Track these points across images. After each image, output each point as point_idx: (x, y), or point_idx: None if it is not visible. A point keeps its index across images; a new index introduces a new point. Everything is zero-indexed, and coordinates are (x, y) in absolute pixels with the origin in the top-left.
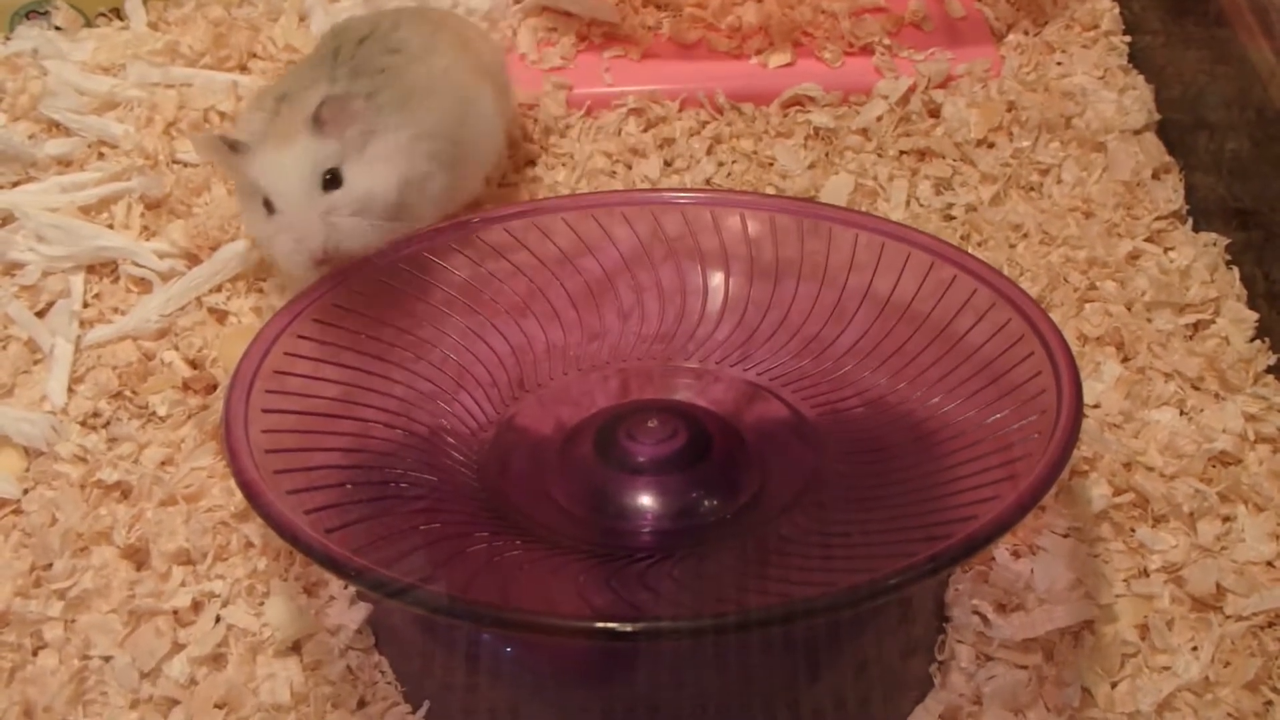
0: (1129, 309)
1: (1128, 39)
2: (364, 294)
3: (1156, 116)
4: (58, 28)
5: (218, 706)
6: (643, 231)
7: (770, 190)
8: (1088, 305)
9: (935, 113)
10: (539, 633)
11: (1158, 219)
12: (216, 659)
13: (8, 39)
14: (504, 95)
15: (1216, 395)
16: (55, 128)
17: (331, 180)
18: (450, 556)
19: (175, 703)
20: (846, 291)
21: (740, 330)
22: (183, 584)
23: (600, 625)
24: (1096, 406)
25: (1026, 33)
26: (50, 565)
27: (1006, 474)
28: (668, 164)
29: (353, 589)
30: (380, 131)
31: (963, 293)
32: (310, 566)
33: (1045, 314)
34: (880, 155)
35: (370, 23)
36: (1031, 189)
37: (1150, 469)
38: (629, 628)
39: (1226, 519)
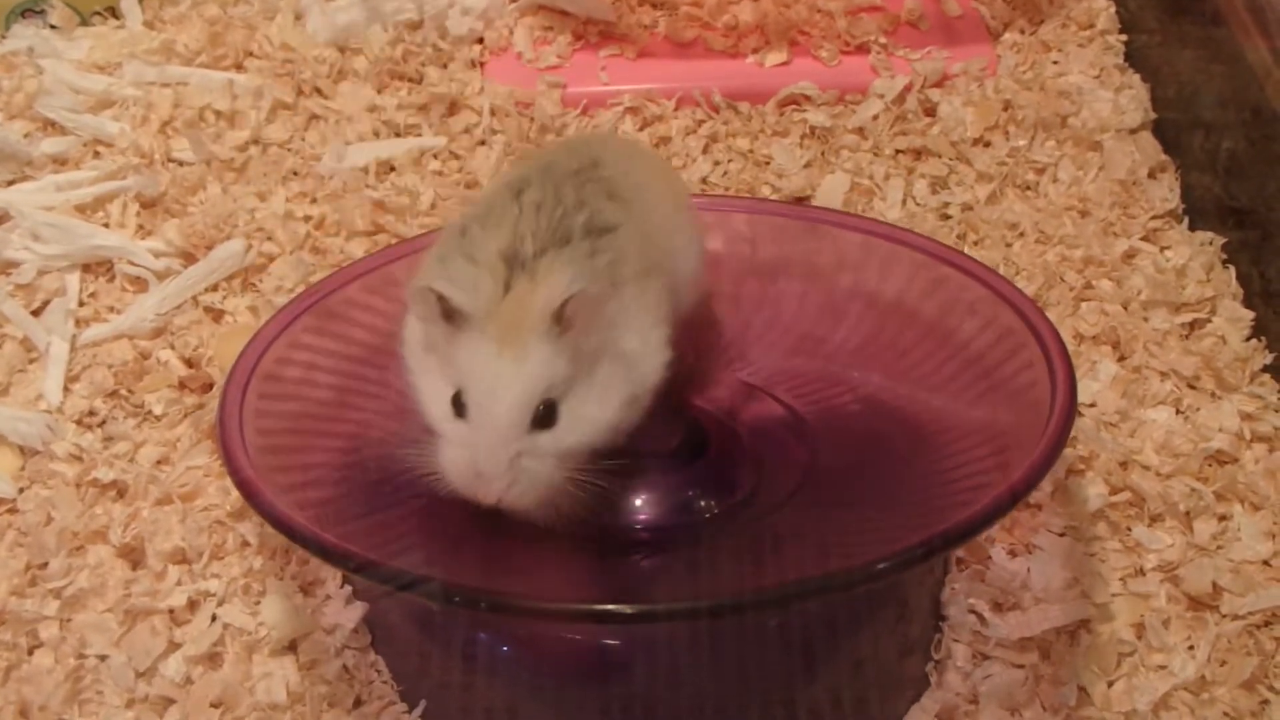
0: (1125, 308)
1: (1124, 38)
2: (361, 295)
3: (1152, 115)
4: (53, 26)
5: (214, 705)
6: None
7: (766, 189)
8: (1084, 304)
9: (931, 112)
10: (533, 618)
11: (1154, 218)
12: (212, 658)
13: (3, 37)
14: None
15: (1212, 394)
16: (51, 126)
17: (545, 415)
18: (446, 553)
19: (171, 702)
20: (840, 290)
21: (735, 329)
22: (178, 583)
23: (593, 608)
24: (1093, 405)
25: (1023, 32)
26: (46, 564)
27: (1000, 470)
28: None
29: (348, 588)
30: (617, 336)
31: (956, 290)
32: (306, 565)
33: (1037, 307)
34: (876, 154)
35: (575, 154)
36: (1027, 188)
37: (1146, 468)
38: (623, 609)
39: (1223, 518)
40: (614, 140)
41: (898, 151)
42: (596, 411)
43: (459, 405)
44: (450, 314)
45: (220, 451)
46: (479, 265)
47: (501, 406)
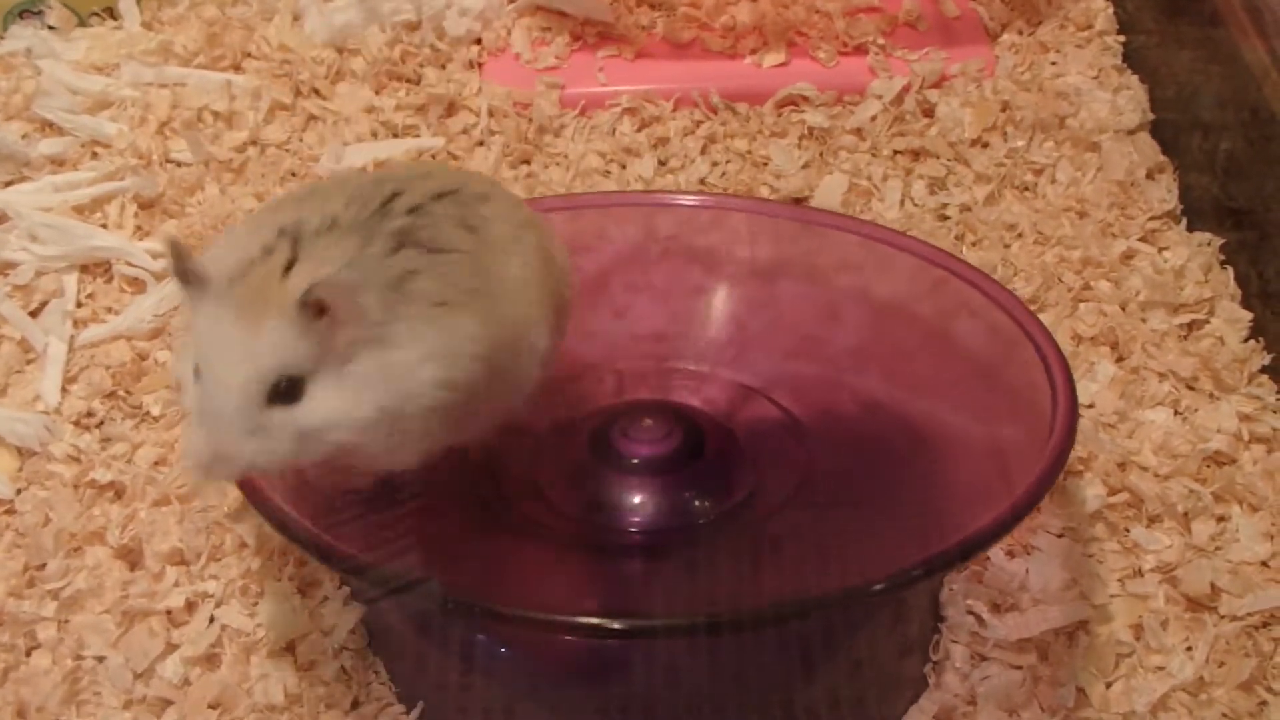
0: (1123, 309)
1: (1122, 39)
2: None
3: (1151, 116)
4: (51, 27)
5: (211, 707)
6: (637, 232)
7: (765, 190)
8: (1082, 305)
9: (929, 112)
10: (531, 628)
11: (1152, 219)
12: (210, 659)
13: (1, 38)
14: (557, 335)
15: (1211, 395)
16: (49, 127)
17: (287, 392)
18: (445, 555)
19: (169, 703)
20: (839, 293)
21: (734, 331)
22: (176, 584)
23: (588, 621)
24: (1091, 406)
25: (1021, 32)
26: (44, 565)
27: (1000, 476)
28: (662, 164)
29: (347, 589)
30: (387, 341)
31: (956, 296)
32: (304, 567)
33: (1037, 320)
34: (874, 155)
35: (457, 179)
36: (1026, 189)
37: (1145, 469)
38: (617, 624)
39: (1221, 519)
40: (510, 194)
41: (896, 152)
42: (344, 404)
43: (198, 376)
44: (184, 274)
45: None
46: (252, 232)
47: (232, 374)
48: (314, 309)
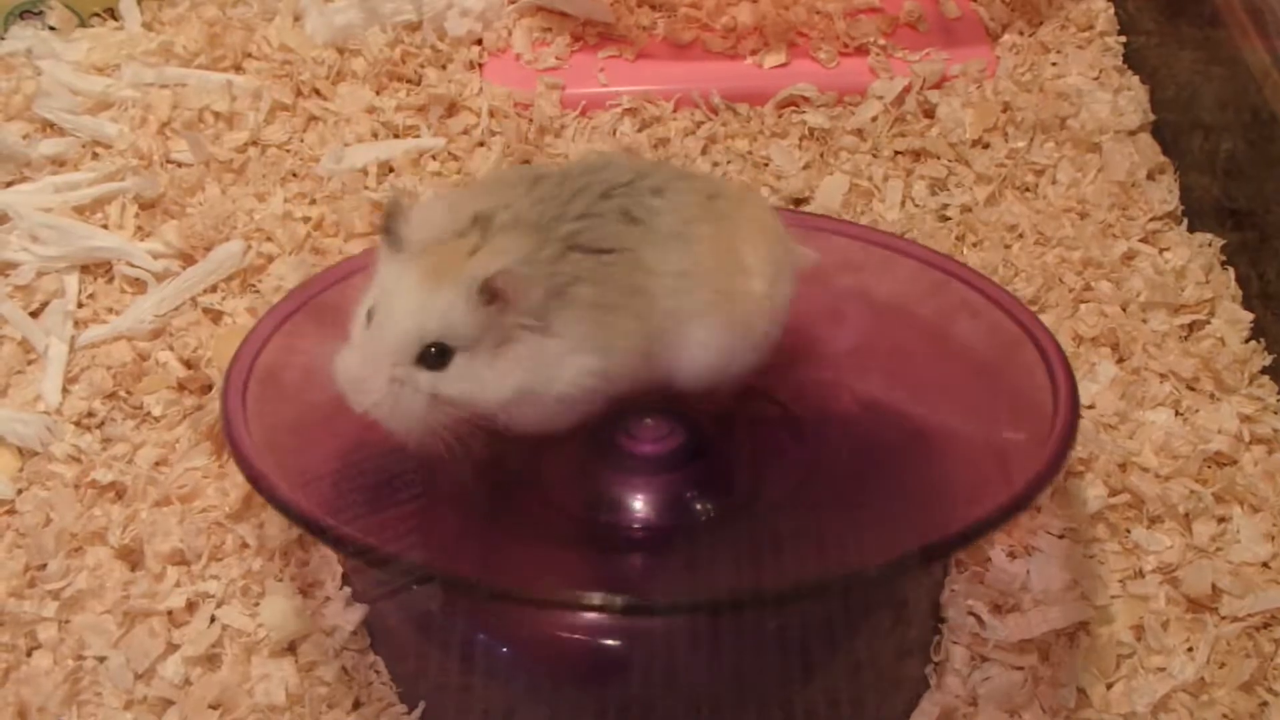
0: (1124, 309)
1: (1123, 39)
2: (358, 293)
3: (1151, 117)
4: (52, 28)
5: (212, 707)
6: None
7: (765, 191)
8: (1083, 306)
9: (930, 113)
10: (533, 605)
11: (1153, 219)
12: (211, 659)
13: (2, 39)
14: (750, 336)
15: (1212, 396)
16: (49, 128)
17: (435, 357)
18: (448, 551)
19: (170, 703)
20: (840, 292)
21: None
22: (177, 584)
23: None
24: (1091, 407)
25: (1021, 33)
26: (44, 565)
27: (1001, 477)
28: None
29: (348, 590)
30: (544, 332)
31: (956, 296)
32: (305, 567)
33: (1038, 320)
34: (875, 156)
35: (634, 170)
36: (1026, 189)
37: (1145, 470)
38: (617, 601)
39: (1222, 520)
40: (703, 179)
41: (896, 153)
42: (486, 380)
43: (370, 318)
44: (390, 231)
45: (227, 443)
46: (450, 212)
47: (396, 327)
48: (489, 293)
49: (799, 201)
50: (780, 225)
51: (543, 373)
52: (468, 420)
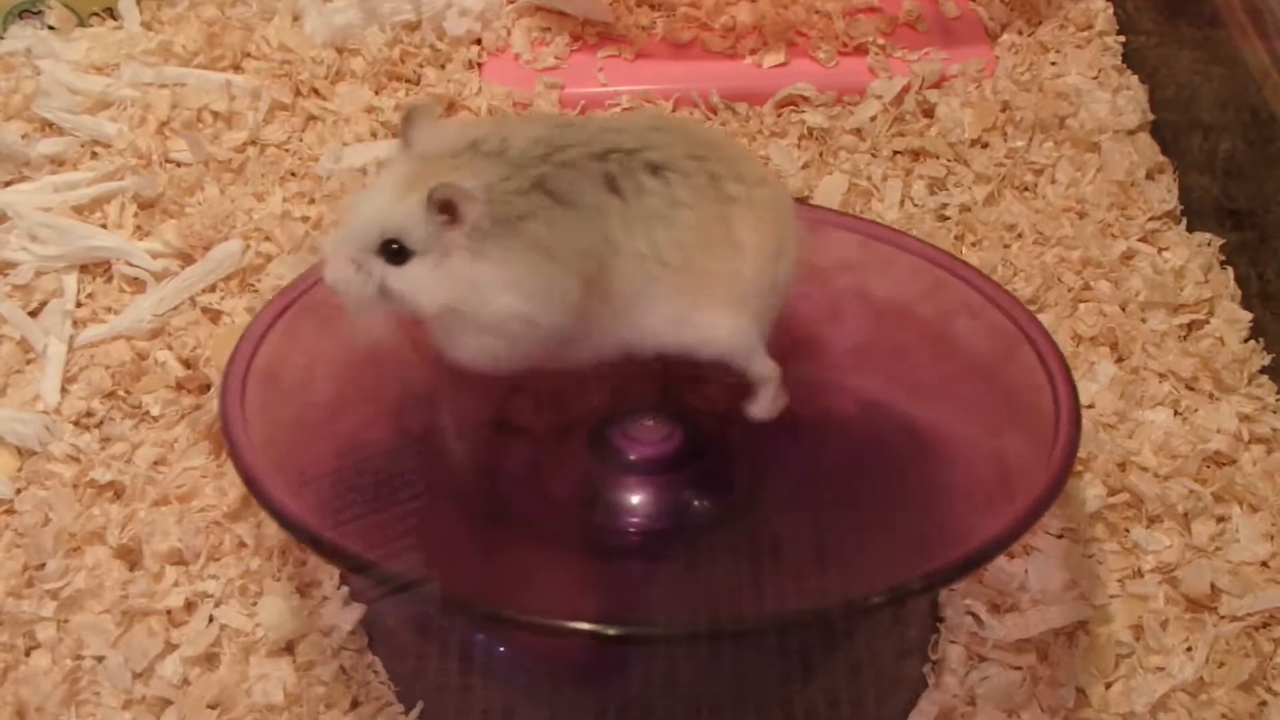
0: (1123, 309)
1: (1122, 39)
2: None
3: (1150, 117)
4: (51, 27)
5: (210, 707)
6: None
7: None
8: (1082, 305)
9: (929, 113)
10: (530, 631)
11: (1152, 219)
12: (209, 659)
13: (1, 38)
14: (731, 319)
15: (1211, 395)
16: (48, 127)
17: (395, 253)
18: (445, 555)
19: (168, 703)
20: (840, 293)
21: None
22: (175, 584)
23: (585, 627)
24: (1091, 407)
25: (1021, 33)
26: (43, 565)
27: (1000, 478)
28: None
29: (345, 590)
30: (482, 257)
31: (956, 296)
32: (303, 567)
33: (1038, 322)
34: (874, 155)
35: (643, 140)
36: (1026, 189)
37: (1144, 469)
38: (614, 631)
39: (1221, 519)
40: (717, 143)
41: (896, 152)
42: (425, 286)
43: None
44: (406, 136)
45: (226, 447)
46: (462, 133)
47: (365, 217)
48: (436, 204)
49: (798, 200)
50: (792, 208)
51: (471, 296)
52: (411, 324)
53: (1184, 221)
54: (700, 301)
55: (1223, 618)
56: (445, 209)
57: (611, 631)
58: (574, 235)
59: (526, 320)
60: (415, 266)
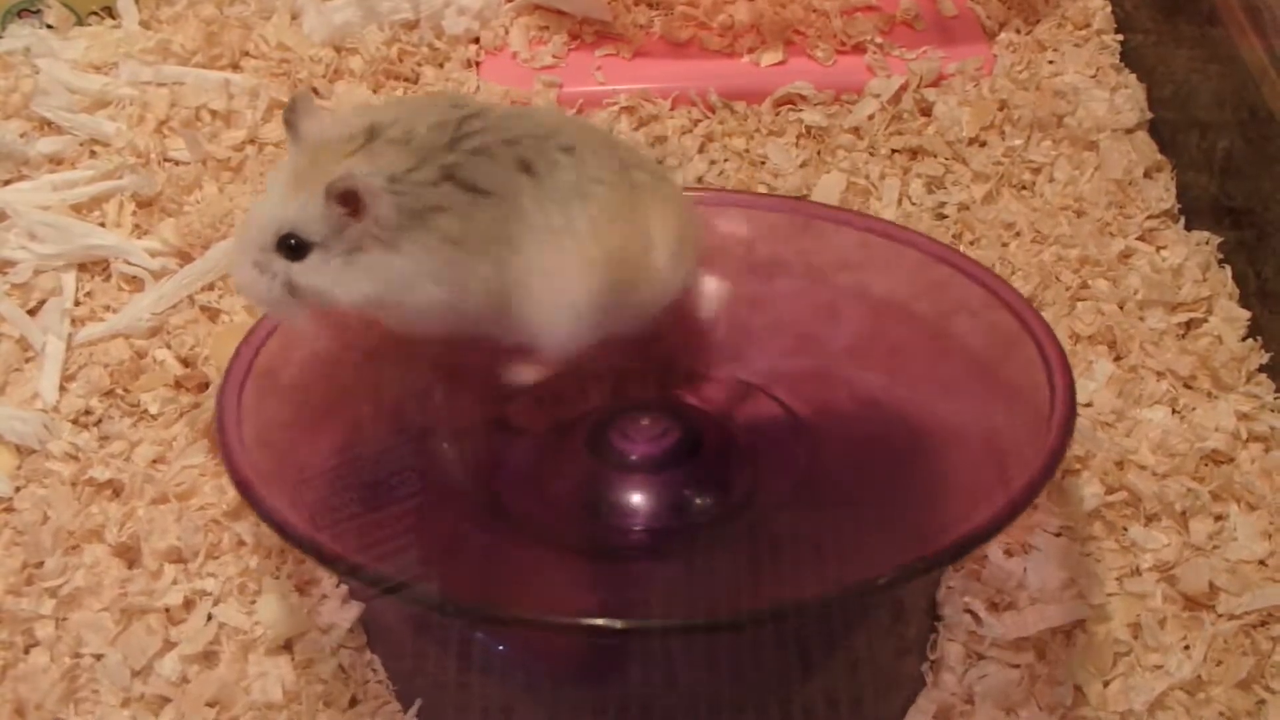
0: (1121, 308)
1: (1120, 37)
2: None
3: (1148, 115)
4: (49, 26)
5: (209, 705)
6: None
7: (762, 189)
8: (1080, 304)
9: (927, 111)
10: (526, 629)
11: (1150, 218)
12: (208, 657)
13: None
14: (632, 303)
15: (1209, 394)
16: (47, 126)
17: (294, 249)
18: (442, 554)
19: (167, 701)
20: (838, 289)
21: (732, 328)
22: (174, 582)
23: (584, 622)
24: (1089, 405)
25: (1018, 31)
26: (42, 563)
27: (999, 474)
28: (659, 162)
29: (345, 587)
30: (395, 249)
31: (955, 291)
32: (302, 565)
33: (1037, 313)
34: (872, 154)
35: (552, 127)
36: (1024, 187)
37: (1142, 468)
38: (616, 624)
39: (1219, 518)
40: (621, 145)
41: (893, 151)
42: (338, 280)
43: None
44: (292, 126)
45: (218, 449)
46: (355, 118)
47: (261, 215)
48: (338, 196)
49: (796, 198)
50: (691, 210)
51: (393, 289)
52: (341, 314)
53: (1182, 220)
54: (605, 283)
55: (1221, 616)
56: (346, 201)
57: (608, 625)
58: (486, 223)
59: (451, 310)
60: (321, 260)
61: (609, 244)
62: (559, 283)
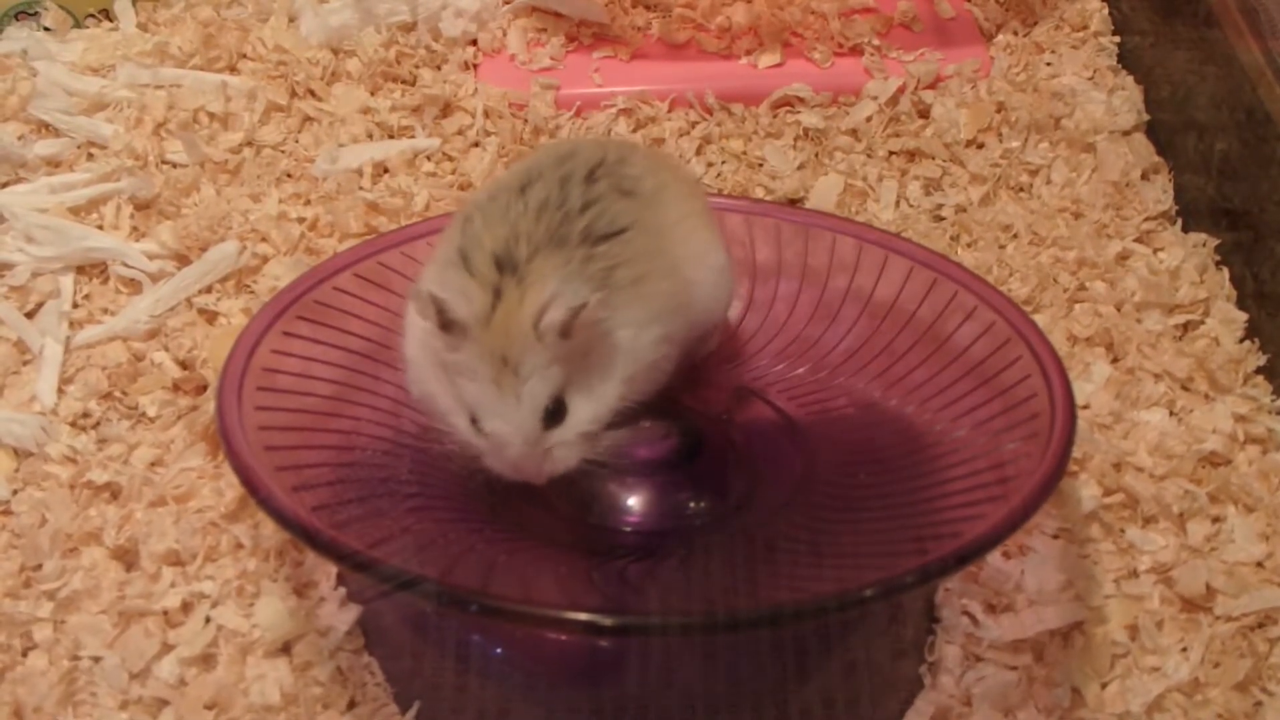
0: (1118, 309)
1: (1117, 39)
2: (349, 292)
3: (1145, 117)
4: (47, 29)
5: (207, 707)
6: None
7: (760, 191)
8: (1077, 306)
9: (925, 113)
10: (522, 622)
11: (1147, 219)
12: (206, 660)
13: None
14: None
15: (1206, 396)
16: (45, 128)
17: (555, 413)
18: (441, 553)
19: (165, 703)
20: (834, 293)
21: (729, 331)
22: (172, 585)
23: (579, 617)
24: (1086, 407)
25: (1016, 33)
26: (40, 566)
27: (996, 478)
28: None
29: (342, 590)
30: (609, 326)
31: (949, 296)
32: (300, 567)
33: (1033, 323)
34: (870, 156)
35: (599, 147)
36: (1021, 189)
37: (1140, 470)
38: (608, 621)
39: (1216, 519)
40: (636, 144)
41: (891, 153)
42: (599, 398)
43: (475, 423)
44: (447, 324)
45: (224, 448)
46: (473, 272)
47: (513, 421)
48: (559, 333)
49: (793, 202)
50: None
51: (630, 360)
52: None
53: (1179, 222)
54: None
55: (1218, 618)
56: (565, 333)
57: (607, 622)
58: (641, 250)
59: (667, 340)
60: (577, 397)
61: (714, 225)
62: (708, 257)
